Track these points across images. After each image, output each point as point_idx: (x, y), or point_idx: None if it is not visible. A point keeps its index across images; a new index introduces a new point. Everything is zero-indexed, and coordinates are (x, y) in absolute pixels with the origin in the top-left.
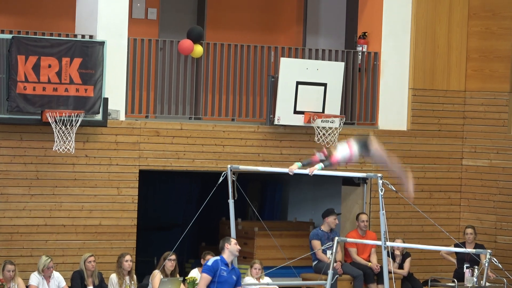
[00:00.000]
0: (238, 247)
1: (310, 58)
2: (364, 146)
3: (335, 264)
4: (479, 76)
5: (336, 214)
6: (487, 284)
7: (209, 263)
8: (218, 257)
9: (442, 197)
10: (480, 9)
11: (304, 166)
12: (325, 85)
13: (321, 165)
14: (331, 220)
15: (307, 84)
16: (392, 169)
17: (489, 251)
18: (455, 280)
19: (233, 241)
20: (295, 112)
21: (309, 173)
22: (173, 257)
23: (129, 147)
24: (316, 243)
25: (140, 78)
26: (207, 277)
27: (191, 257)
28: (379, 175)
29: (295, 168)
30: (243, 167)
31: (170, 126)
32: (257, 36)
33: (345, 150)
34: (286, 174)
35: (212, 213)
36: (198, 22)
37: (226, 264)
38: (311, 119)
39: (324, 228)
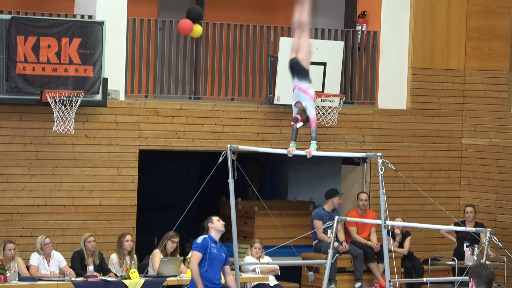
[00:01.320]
0: (222, 222)
1: (309, 37)
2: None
3: (340, 246)
4: (479, 55)
5: (339, 194)
6: (487, 262)
7: (199, 240)
8: (206, 235)
9: (442, 176)
10: None
11: (295, 141)
12: (324, 64)
13: (315, 145)
14: (336, 200)
15: None
16: None
17: (489, 229)
18: (455, 259)
19: (215, 218)
20: None
21: (307, 155)
22: (176, 239)
23: (128, 127)
24: (318, 223)
25: (139, 58)
26: (198, 255)
27: (191, 237)
28: (379, 154)
29: (293, 149)
30: (242, 147)
31: (169, 106)
32: (257, 16)
33: (309, 100)
34: (286, 153)
35: (212, 193)
36: (197, 1)
37: (215, 242)
38: None
39: (327, 208)
